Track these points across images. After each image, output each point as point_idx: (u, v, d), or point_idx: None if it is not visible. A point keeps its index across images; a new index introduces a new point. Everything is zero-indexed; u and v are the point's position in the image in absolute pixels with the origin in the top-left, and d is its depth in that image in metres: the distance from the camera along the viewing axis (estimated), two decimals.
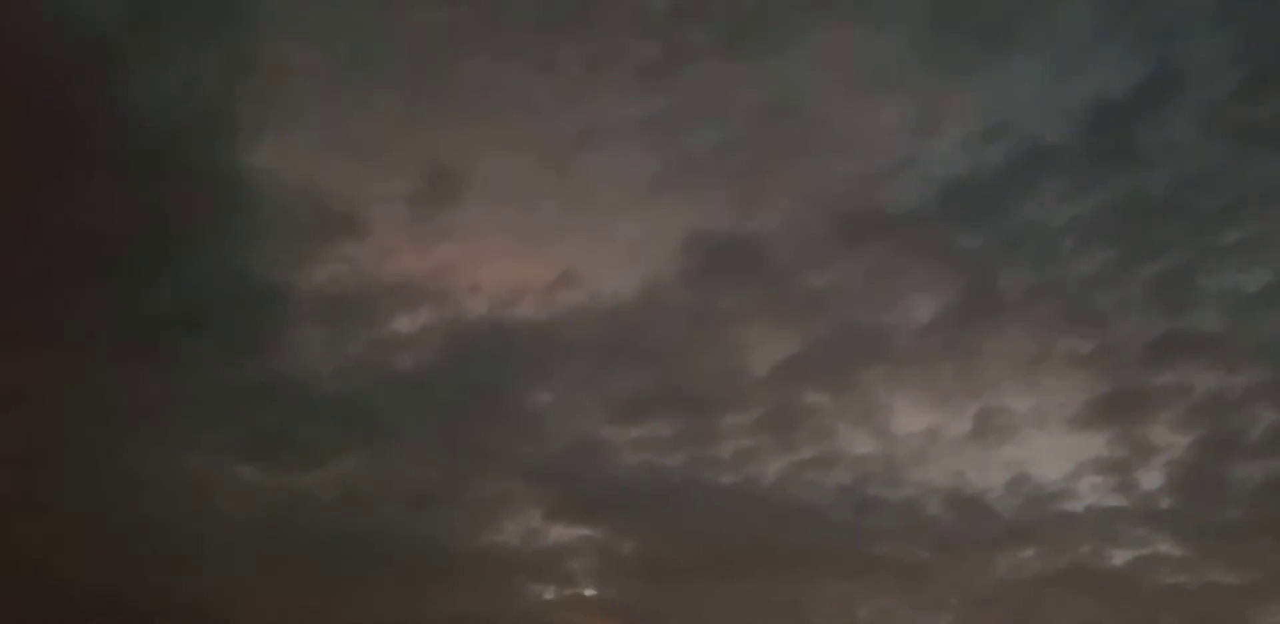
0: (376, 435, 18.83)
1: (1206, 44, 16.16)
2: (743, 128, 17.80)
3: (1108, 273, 19.42)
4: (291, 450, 17.54)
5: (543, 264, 19.16)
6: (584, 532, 20.91)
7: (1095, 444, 23.98)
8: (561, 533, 20.99)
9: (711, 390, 20.03)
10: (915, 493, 21.51)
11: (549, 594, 19.16)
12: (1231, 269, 19.22)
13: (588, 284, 20.83)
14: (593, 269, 20.51)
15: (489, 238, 19.80)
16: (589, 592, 19.49)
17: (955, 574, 20.63)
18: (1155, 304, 19.59)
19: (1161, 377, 20.75)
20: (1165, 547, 21.61)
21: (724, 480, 21.03)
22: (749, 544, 18.71)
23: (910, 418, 21.84)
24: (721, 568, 18.19)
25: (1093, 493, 22.17)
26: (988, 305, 20.29)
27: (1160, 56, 15.36)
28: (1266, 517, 20.31)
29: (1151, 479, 21.83)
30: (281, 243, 16.62)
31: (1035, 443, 22.10)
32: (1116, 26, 15.19)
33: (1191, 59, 16.48)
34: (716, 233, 19.19)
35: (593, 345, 19.88)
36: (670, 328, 19.94)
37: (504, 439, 20.06)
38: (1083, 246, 18.57)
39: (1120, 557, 21.28)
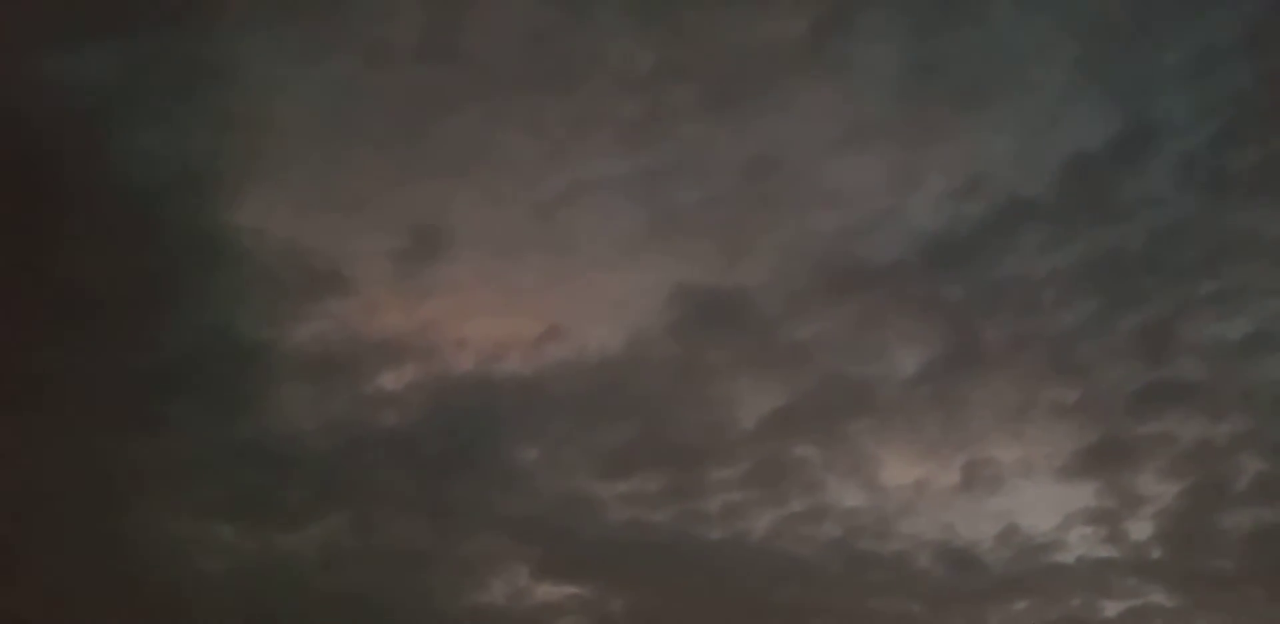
0: (360, 494, 18.64)
1: (1178, 98, 16.57)
2: (726, 183, 18.03)
3: (1089, 324, 19.58)
4: (273, 510, 17.33)
5: (529, 319, 19.21)
6: (572, 589, 20.66)
7: (1083, 494, 23.90)
8: (549, 591, 20.72)
9: (699, 444, 19.96)
10: (906, 546, 21.39)
11: None
12: (1212, 319, 19.40)
13: (574, 338, 20.84)
14: (579, 323, 20.56)
15: (475, 293, 19.89)
16: None
17: None
18: (1138, 354, 19.72)
19: (1147, 426, 20.80)
20: (1157, 597, 21.45)
21: (713, 535, 20.88)
22: (740, 599, 18.50)
23: (898, 470, 21.79)
24: (712, 622, 17.98)
25: (1083, 544, 22.04)
26: (972, 356, 20.38)
27: (1133, 111, 15.76)
28: (1257, 565, 20.26)
29: (1141, 529, 21.76)
30: (266, 300, 16.63)
31: (1023, 494, 22.04)
32: (1089, 83, 15.60)
33: (1164, 113, 16.88)
34: (702, 286, 19.30)
35: (579, 400, 19.84)
36: (656, 381, 19.94)
37: (490, 496, 19.88)
38: (1064, 298, 18.76)
39: (1112, 608, 21.10)
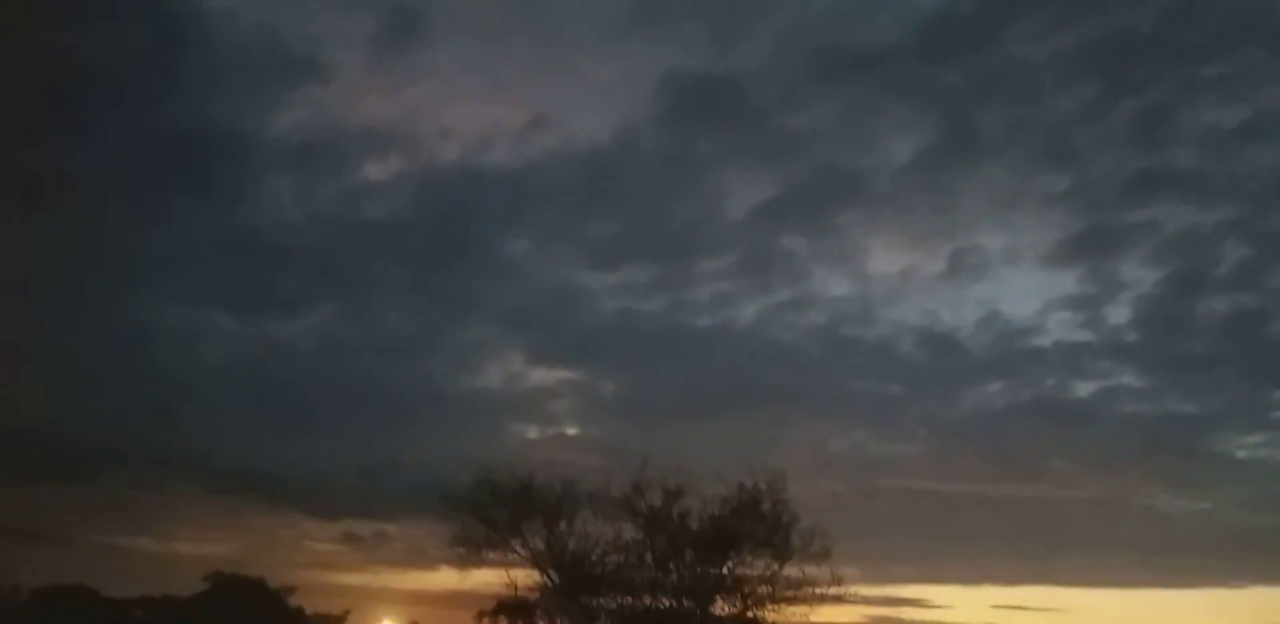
0: (353, 284, 18.93)
1: None
2: None
3: (1087, 109, 19.33)
4: (269, 299, 17.65)
5: (514, 107, 18.73)
6: (565, 374, 21.45)
7: (1065, 281, 24.41)
8: (543, 376, 21.51)
9: (688, 235, 20.13)
10: (888, 331, 22.08)
11: (532, 433, 19.84)
12: (1211, 104, 19.16)
13: (561, 128, 20.50)
14: (566, 112, 20.13)
15: (457, 79, 19.27)
16: (571, 430, 20.17)
17: (925, 408, 21.44)
18: (1133, 141, 19.65)
19: (1135, 213, 21.03)
20: (1128, 378, 22.42)
21: (701, 323, 21.48)
22: (726, 384, 19.27)
23: (885, 258, 22.15)
24: (700, 407, 18.80)
25: (1061, 328, 22.82)
26: (966, 144, 20.25)
27: None
28: (1227, 349, 21.02)
29: (1119, 314, 22.45)
30: (243, 89, 16.09)
31: (1007, 281, 22.60)
32: None
33: None
34: (692, 73, 18.79)
35: (567, 191, 19.77)
36: (646, 172, 19.82)
37: (481, 286, 20.21)
38: (1063, 82, 18.38)
39: (1084, 389, 22.11)
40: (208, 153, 15.58)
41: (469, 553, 7.57)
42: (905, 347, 23.45)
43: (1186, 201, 22.94)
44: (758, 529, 7.65)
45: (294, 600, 15.69)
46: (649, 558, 7.60)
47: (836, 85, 17.00)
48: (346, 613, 16.16)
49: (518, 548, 7.61)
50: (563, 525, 7.66)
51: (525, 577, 7.64)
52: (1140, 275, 26.20)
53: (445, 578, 8.02)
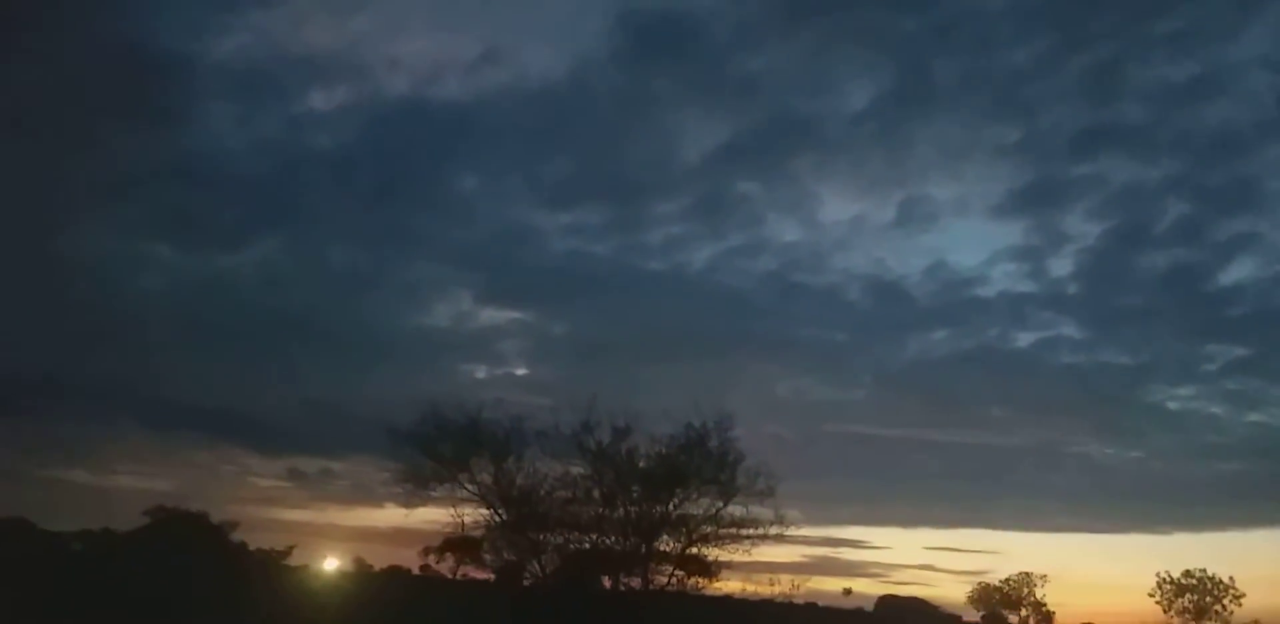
0: (297, 217, 18.51)
1: None
2: None
3: (1040, 63, 19.40)
4: (209, 230, 17.23)
5: (466, 39, 18.30)
6: (515, 315, 21.36)
7: (1012, 232, 24.74)
8: (492, 316, 21.40)
9: (642, 177, 19.98)
10: (837, 279, 22.27)
11: (481, 373, 19.77)
12: (1161, 61, 19.35)
13: (513, 62, 20.10)
14: (519, 46, 19.70)
15: (407, 9, 18.70)
16: (520, 371, 20.13)
17: (870, 355, 21.74)
18: (1083, 95, 19.84)
19: (1082, 167, 21.32)
20: (1068, 329, 22.91)
21: (653, 267, 21.47)
22: (676, 328, 19.33)
23: (837, 206, 22.25)
24: (650, 350, 18.85)
25: (1005, 279, 23.24)
26: (920, 93, 20.26)
27: None
28: (1164, 303, 21.50)
29: (1062, 266, 22.89)
30: (185, 10, 15.43)
31: (955, 231, 22.89)
32: None
33: None
34: (650, 9, 18.46)
35: (520, 128, 19.44)
36: (600, 111, 19.55)
37: (430, 223, 19.91)
38: (1019, 34, 18.40)
39: (1025, 339, 22.60)
40: (147, 75, 15.05)
41: (415, 489, 7.51)
42: (853, 294, 23.75)
43: (1132, 156, 23.32)
44: (704, 466, 7.70)
45: (237, 536, 15.64)
46: (596, 494, 7.67)
47: (794, 28, 16.89)
48: (290, 549, 16.14)
49: (465, 484, 7.57)
50: (510, 461, 7.67)
51: (472, 513, 7.65)
52: (1084, 229, 26.67)
53: (391, 515, 7.99)
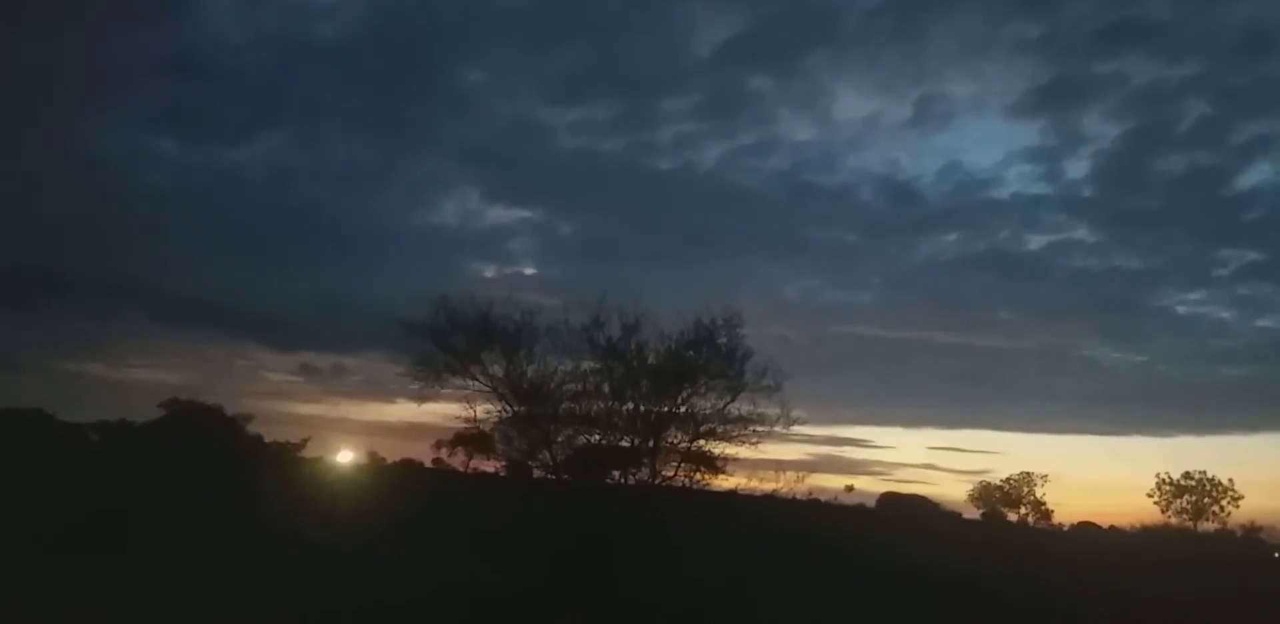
0: (302, 111, 18.18)
1: None
2: None
3: None
4: (214, 124, 17.00)
5: None
6: (523, 213, 21.19)
7: (1028, 133, 24.53)
8: (500, 214, 21.22)
9: (652, 71, 19.46)
10: (850, 179, 21.95)
11: (490, 272, 19.69)
12: None
13: None
14: None
15: None
16: (529, 270, 20.03)
17: (879, 257, 21.59)
18: None
19: (1103, 65, 20.77)
20: (1080, 233, 22.69)
21: (663, 165, 21.07)
22: (685, 227, 19.20)
23: (851, 104, 21.84)
24: (658, 250, 18.77)
25: (1019, 181, 23.00)
26: None
27: None
28: (1179, 207, 21.23)
29: (1077, 168, 22.60)
30: None
31: (971, 131, 22.55)
32: None
33: None
34: None
35: (527, 19, 18.83)
36: (608, 1, 18.78)
37: (437, 118, 19.52)
38: None
39: (1037, 242, 22.43)
40: None
41: (428, 379, 7.53)
42: (865, 195, 23.19)
43: (1155, 54, 22.47)
44: (712, 362, 7.69)
45: (252, 428, 15.91)
46: (606, 389, 7.68)
47: None
48: (305, 441, 16.46)
49: (477, 375, 7.59)
50: (521, 355, 7.68)
51: (483, 407, 7.68)
52: (1102, 130, 25.88)
53: (403, 410, 8.11)
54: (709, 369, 7.76)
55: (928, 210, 20.52)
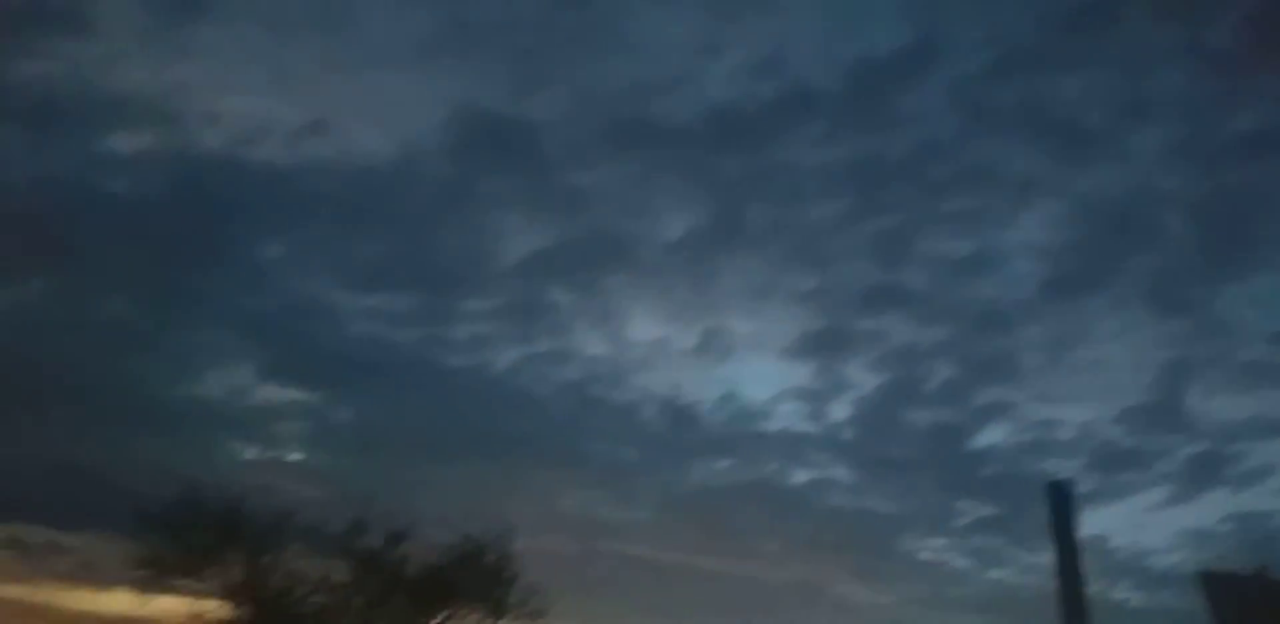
0: (76, 261, 17.04)
1: (965, 25, 17.11)
2: (531, 7, 17.02)
3: (840, 220, 20.68)
4: None
5: (293, 105, 17.76)
6: (298, 395, 20.09)
7: (800, 373, 25.79)
8: (273, 393, 20.04)
9: (457, 270, 19.65)
10: (636, 397, 22.33)
11: (251, 454, 18.33)
12: (944, 235, 20.98)
13: (340, 137, 19.64)
14: (348, 121, 19.32)
15: (237, 65, 18.09)
16: (295, 456, 18.84)
17: (657, 476, 21.72)
18: (874, 256, 21.17)
19: (867, 322, 22.54)
20: (839, 472, 23.69)
21: (455, 362, 20.88)
22: (469, 428, 18.73)
23: (643, 326, 22.52)
24: (438, 447, 18.11)
25: (789, 417, 23.90)
26: (732, 232, 21.11)
27: (923, 28, 16.16)
28: (925, 457, 22.67)
29: (840, 411, 23.76)
30: None
31: (749, 365, 23.50)
32: None
33: (949, 37, 17.30)
34: (488, 110, 18.57)
35: (338, 203, 18.84)
36: (424, 198, 19.26)
37: (223, 287, 18.76)
38: (824, 192, 19.64)
39: (800, 476, 23.17)
40: None
41: (155, 576, 6.81)
42: (648, 414, 23.86)
43: (911, 318, 24.97)
44: (478, 582, 7.41)
45: None
46: (358, 602, 7.18)
47: (625, 153, 17.29)
48: None
49: (213, 577, 6.97)
50: (268, 558, 7.11)
51: (217, 608, 6.96)
52: (863, 378, 28.11)
53: (120, 600, 7.16)
54: (472, 590, 7.52)
55: (705, 436, 21.19)
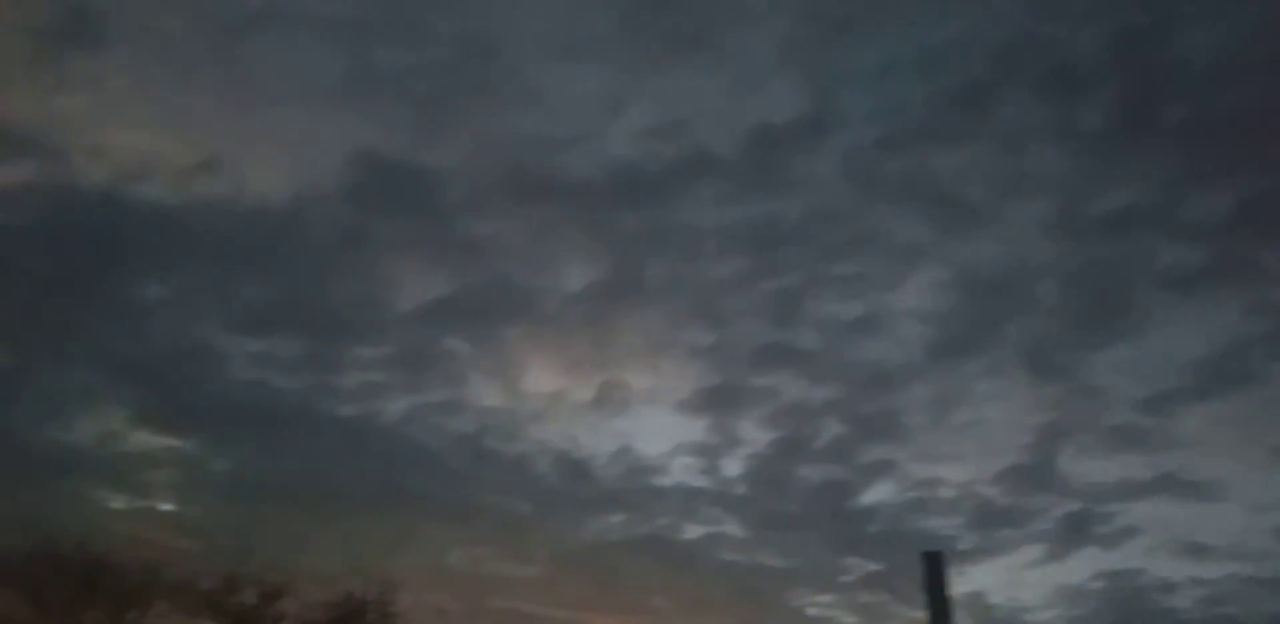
0: None
1: (861, 98, 17.85)
2: (440, 56, 16.98)
3: (736, 280, 20.99)
4: None
5: (184, 142, 17.18)
6: (172, 442, 19.16)
7: (694, 429, 25.85)
8: (145, 440, 19.07)
9: (349, 317, 19.15)
10: (530, 450, 21.95)
11: (119, 503, 17.36)
12: (834, 297, 21.57)
13: (234, 176, 19.03)
14: (242, 161, 18.75)
15: (124, 100, 17.49)
16: (167, 506, 17.92)
17: (549, 531, 21.28)
18: (768, 316, 21.47)
19: (760, 379, 22.71)
20: (731, 527, 23.62)
21: (344, 411, 20.23)
22: (356, 479, 18.11)
23: (539, 378, 22.23)
24: (322, 499, 17.41)
25: (683, 472, 23.75)
26: (631, 286, 21.19)
27: (822, 99, 16.72)
28: (814, 513, 22.78)
29: (733, 467, 23.73)
30: None
31: (644, 419, 23.38)
32: (793, 62, 16.37)
33: (845, 108, 17.97)
34: (388, 156, 18.33)
35: (227, 244, 18.27)
36: (319, 242, 18.82)
37: (99, 328, 17.93)
38: (721, 252, 19.97)
39: (693, 531, 22.99)
40: None
41: None
42: (543, 467, 23.52)
43: (802, 376, 25.34)
44: None
45: None
46: None
47: (526, 204, 17.19)
48: None
49: None
50: (132, 615, 6.67)
51: None
52: (755, 434, 28.27)
53: None
54: None
55: (599, 490, 20.90)
